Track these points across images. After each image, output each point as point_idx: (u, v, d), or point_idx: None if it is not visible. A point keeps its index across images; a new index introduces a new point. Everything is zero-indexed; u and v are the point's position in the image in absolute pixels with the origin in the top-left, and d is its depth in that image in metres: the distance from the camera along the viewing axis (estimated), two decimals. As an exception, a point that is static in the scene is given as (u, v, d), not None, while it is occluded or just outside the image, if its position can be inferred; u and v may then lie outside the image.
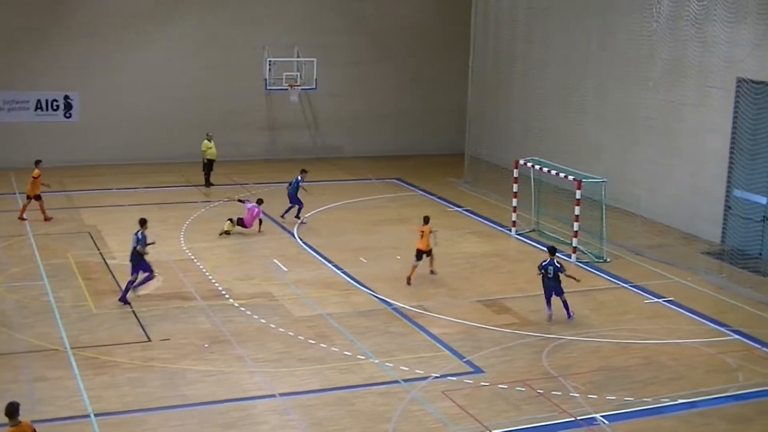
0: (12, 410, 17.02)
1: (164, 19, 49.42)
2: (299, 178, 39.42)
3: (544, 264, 28.69)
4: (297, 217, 39.07)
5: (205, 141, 44.95)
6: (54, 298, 29.08)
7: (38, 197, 37.89)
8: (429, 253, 32.20)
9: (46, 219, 37.79)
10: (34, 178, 37.81)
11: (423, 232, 31.99)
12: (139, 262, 29.22)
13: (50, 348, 25.43)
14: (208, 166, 44.97)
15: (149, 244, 29.43)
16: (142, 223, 29.71)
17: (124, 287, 29.28)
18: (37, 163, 38.52)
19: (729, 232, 37.00)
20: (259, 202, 37.48)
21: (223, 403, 22.50)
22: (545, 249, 30.63)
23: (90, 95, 48.69)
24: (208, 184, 44.75)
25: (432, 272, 32.46)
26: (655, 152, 40.28)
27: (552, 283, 28.61)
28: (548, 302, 28.81)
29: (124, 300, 28.96)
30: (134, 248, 29.13)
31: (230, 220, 36.72)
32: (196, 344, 25.80)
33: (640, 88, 40.44)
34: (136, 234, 29.30)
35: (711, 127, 37.44)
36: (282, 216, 39.07)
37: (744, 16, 35.15)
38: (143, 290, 29.56)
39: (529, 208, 38.43)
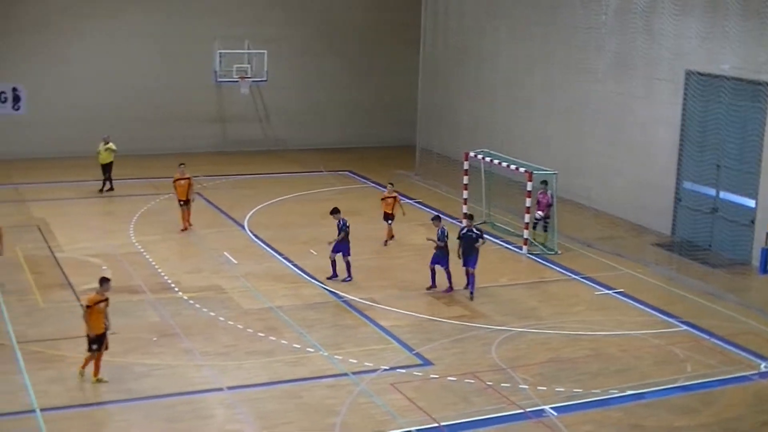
0: None
1: (114, 10, 48.98)
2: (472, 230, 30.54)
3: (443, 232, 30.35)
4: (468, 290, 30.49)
5: (101, 143, 42.11)
6: (0, 291, 28.73)
7: (187, 202, 36.43)
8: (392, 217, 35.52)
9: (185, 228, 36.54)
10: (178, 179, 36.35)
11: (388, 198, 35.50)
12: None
13: (-4, 342, 25.23)
14: (104, 169, 42.12)
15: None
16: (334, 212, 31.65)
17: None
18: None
19: (679, 223, 37.23)
20: (544, 183, 35.81)
21: (169, 397, 22.33)
22: (496, 240, 30.88)
23: (38, 87, 48.22)
24: (102, 188, 42.23)
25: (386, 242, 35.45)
26: (605, 144, 40.41)
27: (443, 252, 30.13)
28: (435, 273, 30.45)
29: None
30: None
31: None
32: (144, 338, 25.58)
33: (589, 80, 40.57)
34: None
35: (660, 119, 37.62)
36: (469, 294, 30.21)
37: (691, 9, 35.36)
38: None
39: (481, 200, 38.44)
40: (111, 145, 41.84)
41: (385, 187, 37.62)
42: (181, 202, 36.30)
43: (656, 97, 37.72)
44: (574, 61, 41.66)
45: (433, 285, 30.35)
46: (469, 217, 30.63)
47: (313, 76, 53.21)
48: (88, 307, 22.74)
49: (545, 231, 35.89)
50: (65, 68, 48.41)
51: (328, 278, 31.00)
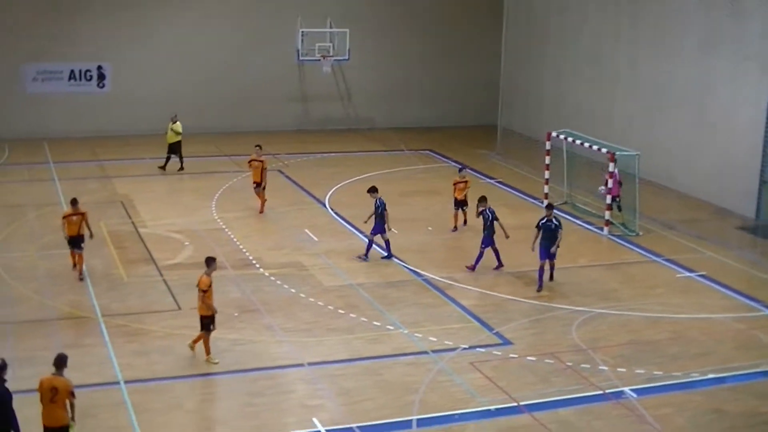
0: (60, 362, 17.75)
1: (197, -11, 49.59)
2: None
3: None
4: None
5: (170, 123, 41.87)
6: (86, 266, 29.15)
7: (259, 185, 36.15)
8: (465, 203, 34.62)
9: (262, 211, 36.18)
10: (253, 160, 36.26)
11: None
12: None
13: (81, 315, 25.62)
14: (170, 149, 41.93)
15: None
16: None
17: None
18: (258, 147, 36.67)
19: (763, 207, 36.67)
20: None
21: (251, 372, 22.59)
22: (576, 221, 30.60)
23: (123, 65, 48.85)
24: (180, 167, 42.16)
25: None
26: (689, 125, 39.94)
27: (489, 233, 30.12)
28: (498, 252, 30.20)
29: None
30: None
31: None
32: (226, 313, 25.72)
33: (674, 60, 40.13)
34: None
35: (746, 100, 37.08)
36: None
37: (780, -12, 34.91)
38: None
39: (562, 181, 38.21)
40: (176, 125, 41.58)
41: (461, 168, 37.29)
42: (255, 185, 36.26)
43: (742, 78, 37.17)
44: (659, 40, 41.23)
45: (500, 264, 30.27)
46: (550, 207, 29.94)
47: (394, 55, 53.20)
48: (204, 291, 22.88)
49: (620, 210, 35.58)
50: (149, 47, 48.95)
51: (383, 258, 31.02)
